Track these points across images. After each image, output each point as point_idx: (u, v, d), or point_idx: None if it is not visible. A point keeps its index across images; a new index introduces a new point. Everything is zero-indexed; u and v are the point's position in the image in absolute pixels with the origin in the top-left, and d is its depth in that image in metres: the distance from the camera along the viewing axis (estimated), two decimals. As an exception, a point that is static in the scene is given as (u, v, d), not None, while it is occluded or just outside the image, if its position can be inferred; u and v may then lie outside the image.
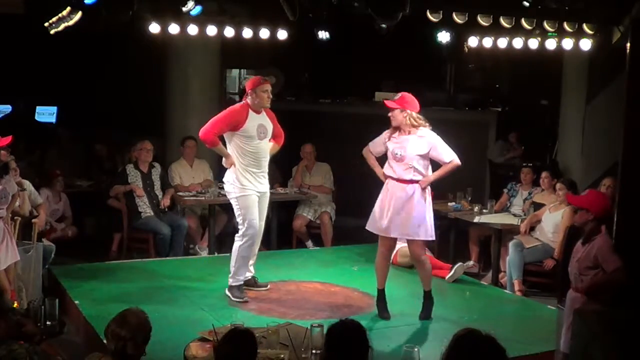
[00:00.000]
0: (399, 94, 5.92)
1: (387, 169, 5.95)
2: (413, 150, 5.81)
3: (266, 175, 6.43)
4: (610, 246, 4.90)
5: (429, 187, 5.91)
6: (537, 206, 7.70)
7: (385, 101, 6.00)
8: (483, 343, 2.99)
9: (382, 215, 5.89)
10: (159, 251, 7.90)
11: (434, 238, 6.04)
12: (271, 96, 6.35)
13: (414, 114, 5.85)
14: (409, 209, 5.80)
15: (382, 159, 6.09)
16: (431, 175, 5.89)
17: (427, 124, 5.88)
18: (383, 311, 6.06)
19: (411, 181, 5.82)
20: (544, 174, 7.92)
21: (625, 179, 4.93)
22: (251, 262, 6.56)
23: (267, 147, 6.39)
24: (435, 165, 5.95)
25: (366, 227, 6.06)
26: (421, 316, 6.01)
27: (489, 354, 2.98)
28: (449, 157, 5.86)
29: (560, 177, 7.96)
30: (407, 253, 6.45)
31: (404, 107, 5.84)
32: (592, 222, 5.02)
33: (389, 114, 5.92)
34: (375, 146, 6.06)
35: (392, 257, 6.30)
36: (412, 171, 5.81)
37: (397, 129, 5.89)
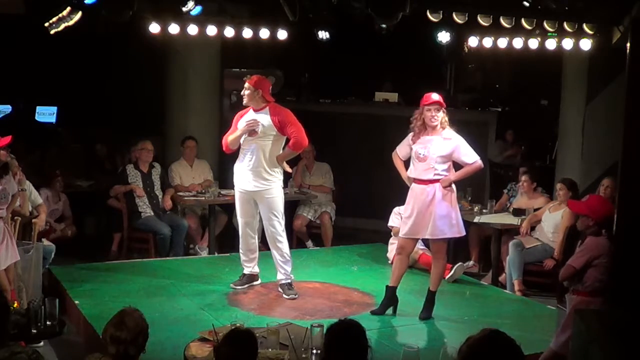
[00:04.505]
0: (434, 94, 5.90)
1: (410, 171, 5.98)
2: (436, 151, 5.83)
3: (257, 175, 6.31)
4: (587, 248, 5.01)
5: (453, 186, 5.93)
6: (517, 212, 7.61)
7: (437, 99, 5.87)
8: (511, 346, 2.90)
9: (409, 218, 5.93)
10: (159, 251, 7.90)
11: (461, 234, 6.09)
12: (244, 94, 6.33)
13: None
14: (431, 209, 5.83)
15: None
16: (452, 175, 5.90)
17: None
18: (383, 307, 6.05)
19: (431, 181, 5.84)
20: (523, 177, 7.78)
21: (625, 179, 4.91)
22: (252, 255, 6.70)
23: (256, 146, 6.29)
24: (458, 167, 5.97)
25: (399, 234, 6.11)
26: (421, 316, 6.02)
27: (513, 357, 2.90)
28: (472, 158, 5.88)
29: (536, 179, 7.86)
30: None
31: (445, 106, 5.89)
32: (593, 227, 5.06)
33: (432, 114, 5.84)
34: (402, 149, 6.08)
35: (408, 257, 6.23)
36: (432, 172, 5.84)
37: (422, 130, 5.87)
